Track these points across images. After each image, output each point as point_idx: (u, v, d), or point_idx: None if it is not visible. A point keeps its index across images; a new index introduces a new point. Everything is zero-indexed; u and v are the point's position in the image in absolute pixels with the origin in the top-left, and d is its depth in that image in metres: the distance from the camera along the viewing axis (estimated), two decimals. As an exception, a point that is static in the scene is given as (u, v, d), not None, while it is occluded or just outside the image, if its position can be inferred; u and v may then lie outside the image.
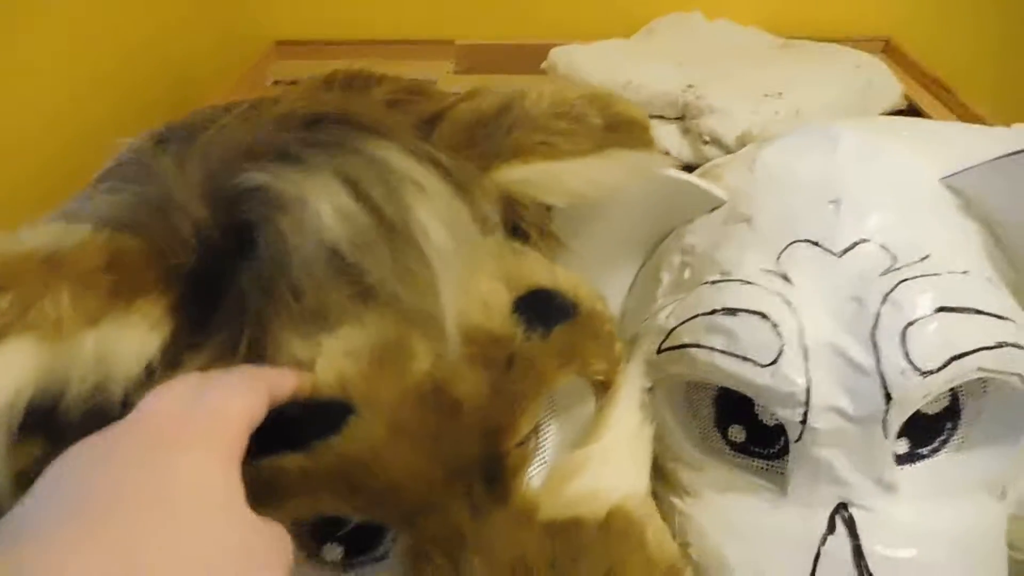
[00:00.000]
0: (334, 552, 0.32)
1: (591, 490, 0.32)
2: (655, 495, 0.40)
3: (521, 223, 0.35)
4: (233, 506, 0.21)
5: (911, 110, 0.97)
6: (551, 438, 0.36)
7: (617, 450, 0.34)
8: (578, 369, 0.33)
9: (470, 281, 0.31)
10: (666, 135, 0.93)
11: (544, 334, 0.31)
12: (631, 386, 0.36)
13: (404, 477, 0.28)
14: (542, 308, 0.32)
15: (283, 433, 0.28)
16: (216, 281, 0.29)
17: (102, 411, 0.28)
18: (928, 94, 1.00)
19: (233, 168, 0.29)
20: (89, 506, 0.18)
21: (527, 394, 0.30)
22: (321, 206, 0.27)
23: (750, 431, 0.39)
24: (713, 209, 0.43)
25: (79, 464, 0.21)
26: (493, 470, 0.30)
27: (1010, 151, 0.37)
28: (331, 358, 0.28)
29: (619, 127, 0.36)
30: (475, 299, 0.31)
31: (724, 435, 0.40)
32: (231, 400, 0.24)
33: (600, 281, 0.38)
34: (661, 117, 0.93)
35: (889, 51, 1.11)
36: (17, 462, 0.26)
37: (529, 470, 0.34)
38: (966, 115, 0.95)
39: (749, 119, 0.73)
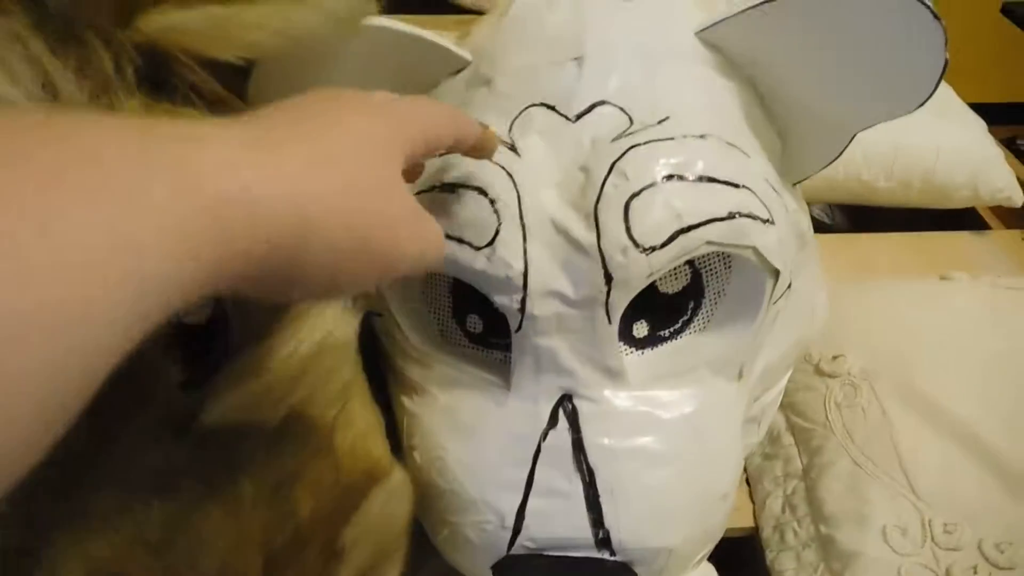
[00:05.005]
0: (476, 323, 0.35)
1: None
2: (391, 396, 0.36)
3: (174, 80, 0.29)
4: (389, 158, 0.23)
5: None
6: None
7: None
8: None
9: None
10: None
11: None
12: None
13: None
14: None
15: None
16: None
17: None
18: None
19: None
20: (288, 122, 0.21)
21: None
22: None
23: (487, 321, 0.35)
24: (459, 72, 0.37)
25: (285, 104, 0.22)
26: None
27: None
28: None
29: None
30: None
31: (462, 326, 0.36)
32: (419, 110, 0.25)
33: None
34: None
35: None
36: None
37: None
38: None
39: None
